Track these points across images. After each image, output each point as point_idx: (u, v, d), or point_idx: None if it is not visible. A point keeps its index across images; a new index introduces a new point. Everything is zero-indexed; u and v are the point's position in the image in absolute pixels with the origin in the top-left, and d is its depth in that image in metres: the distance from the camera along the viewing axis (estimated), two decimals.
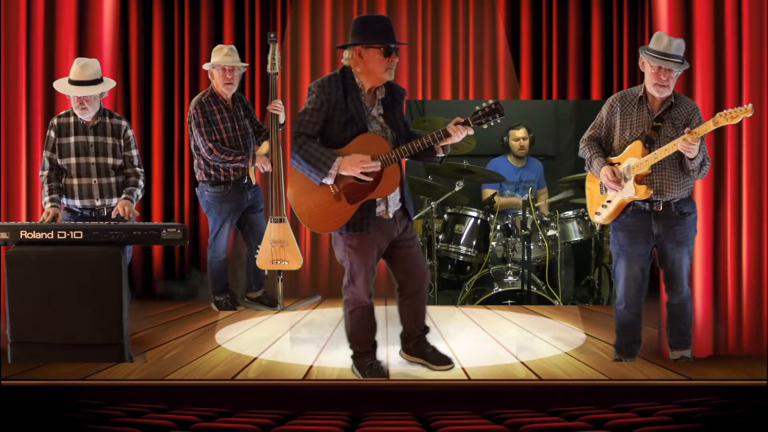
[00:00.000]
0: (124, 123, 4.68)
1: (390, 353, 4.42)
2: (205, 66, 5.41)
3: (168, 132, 6.40)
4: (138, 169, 4.71)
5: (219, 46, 5.42)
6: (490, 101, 3.85)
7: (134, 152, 4.72)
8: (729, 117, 3.75)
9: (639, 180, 4.04)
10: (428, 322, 4.32)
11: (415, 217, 4.83)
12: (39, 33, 4.75)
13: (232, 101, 5.39)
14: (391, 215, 3.94)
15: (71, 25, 4.81)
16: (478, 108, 3.86)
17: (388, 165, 3.82)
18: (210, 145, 5.25)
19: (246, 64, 5.59)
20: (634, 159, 4.05)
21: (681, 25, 4.47)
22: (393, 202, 3.94)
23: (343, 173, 3.77)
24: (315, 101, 3.79)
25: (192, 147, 5.43)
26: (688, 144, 3.83)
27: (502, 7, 6.46)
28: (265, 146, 5.50)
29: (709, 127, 3.81)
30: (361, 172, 3.77)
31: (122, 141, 4.65)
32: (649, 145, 4.04)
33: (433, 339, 4.36)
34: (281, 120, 5.48)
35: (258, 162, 5.36)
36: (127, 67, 6.29)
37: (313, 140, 3.78)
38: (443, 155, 3.96)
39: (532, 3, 6.46)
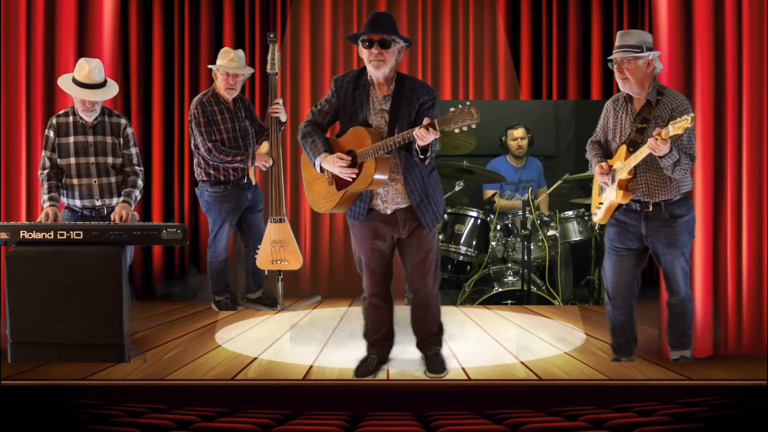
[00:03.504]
0: (123, 121, 4.66)
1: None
2: (211, 66, 5.41)
3: (168, 132, 6.40)
4: (137, 167, 4.68)
5: (226, 48, 5.42)
6: (468, 102, 3.55)
7: (134, 150, 4.68)
8: (677, 127, 3.70)
9: (622, 185, 4.05)
10: None
11: None
12: (39, 33, 4.74)
13: (233, 102, 5.39)
14: (388, 211, 3.93)
15: (71, 25, 4.80)
16: (452, 109, 3.58)
17: (362, 160, 3.80)
18: (209, 145, 5.25)
19: (252, 70, 5.59)
20: (619, 163, 4.06)
21: (681, 25, 4.46)
22: (390, 199, 3.92)
23: (327, 168, 3.87)
24: (330, 92, 3.96)
25: (192, 146, 5.43)
26: (655, 143, 3.77)
27: (502, 7, 6.46)
28: (265, 146, 5.50)
29: (664, 134, 3.76)
30: (341, 169, 3.81)
31: (121, 139, 4.63)
32: (633, 149, 3.99)
33: None
34: (282, 119, 5.48)
35: (259, 161, 5.36)
36: (127, 67, 6.30)
37: (316, 128, 3.93)
38: (422, 157, 3.75)
39: (532, 3, 6.46)
